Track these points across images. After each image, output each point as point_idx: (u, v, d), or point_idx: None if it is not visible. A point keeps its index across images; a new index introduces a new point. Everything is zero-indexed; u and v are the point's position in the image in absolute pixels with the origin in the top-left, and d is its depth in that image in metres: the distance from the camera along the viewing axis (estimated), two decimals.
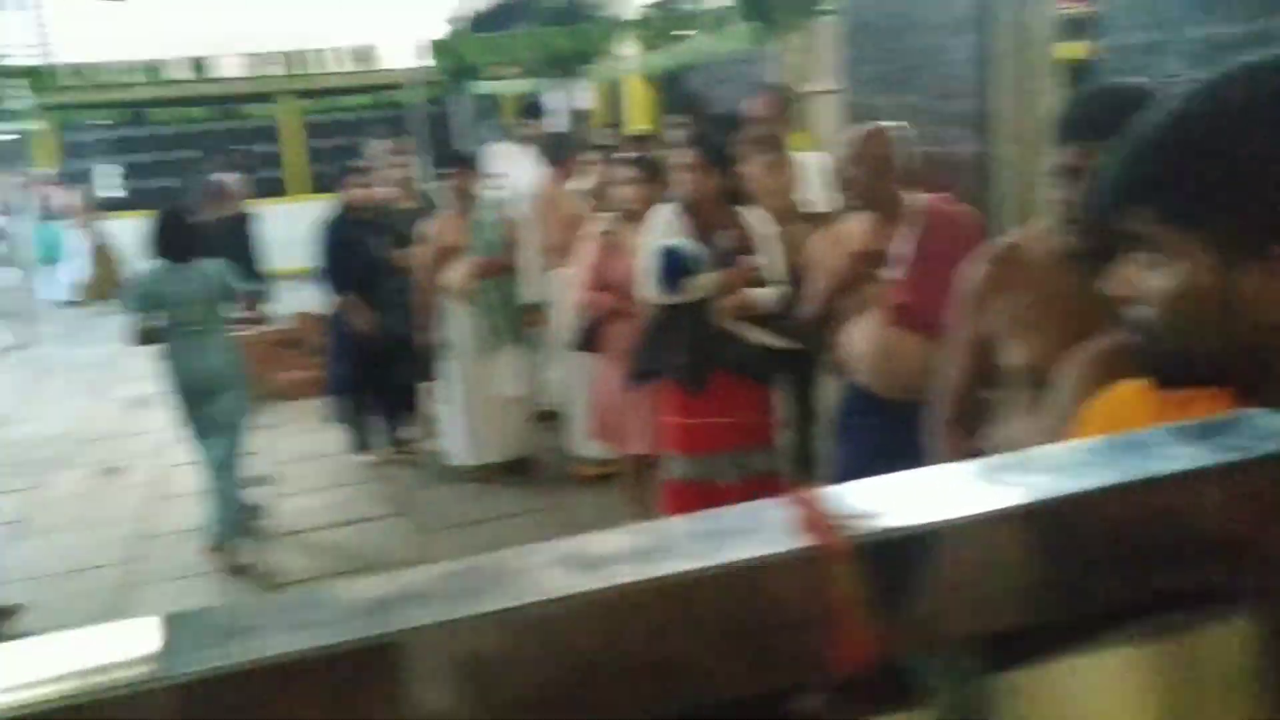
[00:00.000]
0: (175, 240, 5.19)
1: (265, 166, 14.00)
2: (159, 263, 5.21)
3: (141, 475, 6.88)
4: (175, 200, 7.07)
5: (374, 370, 6.21)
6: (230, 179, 9.49)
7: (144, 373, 9.45)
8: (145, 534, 5.88)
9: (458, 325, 5.89)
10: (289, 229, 9.64)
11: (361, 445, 6.57)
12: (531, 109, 8.26)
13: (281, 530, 5.74)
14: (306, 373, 7.72)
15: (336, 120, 15.12)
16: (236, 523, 5.42)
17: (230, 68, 12.52)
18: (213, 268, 5.29)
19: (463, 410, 5.99)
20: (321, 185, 14.47)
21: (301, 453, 6.83)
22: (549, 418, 6.45)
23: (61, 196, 13.73)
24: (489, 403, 5.94)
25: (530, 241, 6.01)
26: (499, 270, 5.84)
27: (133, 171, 14.54)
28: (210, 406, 5.27)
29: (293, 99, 14.65)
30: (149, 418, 8.21)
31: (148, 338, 5.18)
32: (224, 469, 5.33)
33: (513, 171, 7.06)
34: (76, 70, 12.45)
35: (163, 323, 5.17)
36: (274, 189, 13.81)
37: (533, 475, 6.16)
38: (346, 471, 6.52)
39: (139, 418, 8.26)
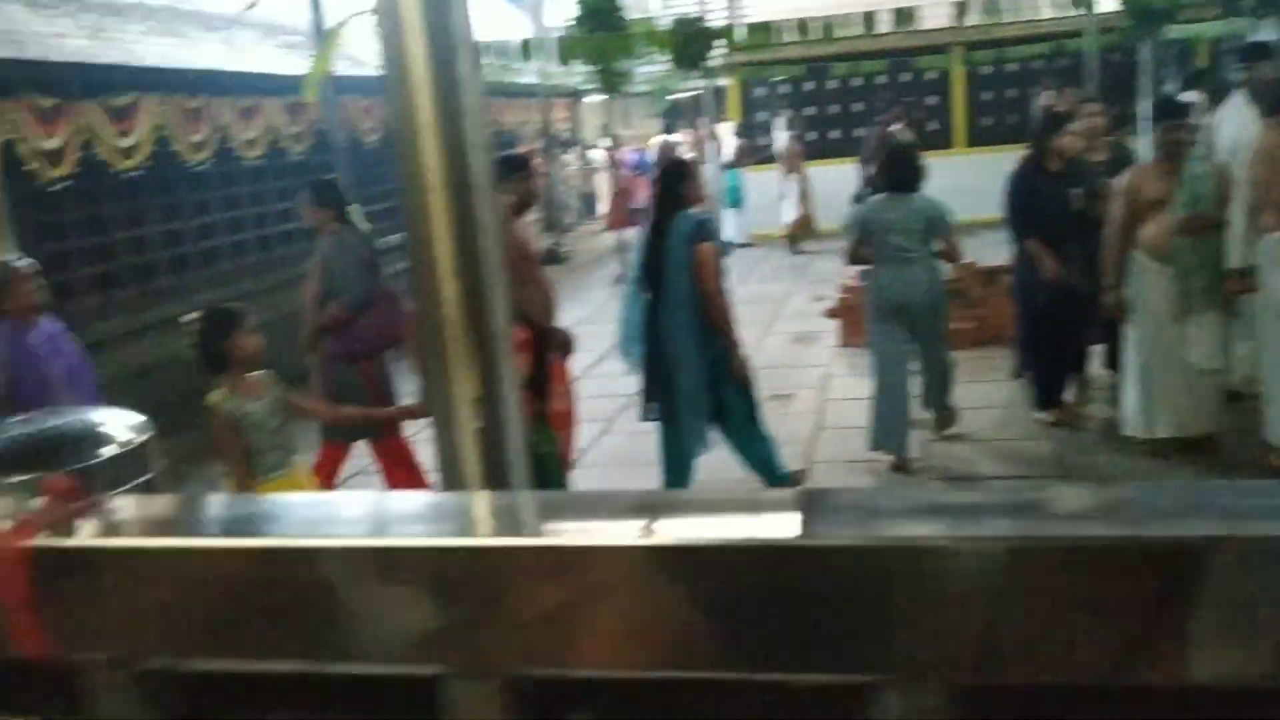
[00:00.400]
0: (901, 173, 5.67)
1: (931, 119, 14.14)
2: (881, 194, 5.74)
3: (804, 404, 7.33)
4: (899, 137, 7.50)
5: (1054, 325, 5.99)
6: (901, 130, 9.71)
7: (809, 310, 10.22)
8: (808, 458, 6.26)
9: (1150, 285, 5.46)
10: (955, 181, 9.68)
11: (1043, 402, 6.37)
12: (1254, 51, 7.33)
13: (932, 474, 5.83)
14: (966, 324, 7.70)
15: (1000, 72, 14.80)
16: (899, 443, 5.80)
17: (904, 21, 12.80)
18: (927, 202, 5.66)
19: (1145, 377, 5.57)
20: (985, 138, 14.32)
21: (962, 401, 6.84)
22: (1236, 397, 5.80)
23: (743, 147, 15.06)
24: (1176, 372, 5.45)
25: (1243, 199, 5.37)
26: (1206, 228, 5.31)
27: (809, 124, 15.46)
28: (904, 329, 5.71)
29: (962, 50, 14.57)
30: (812, 352, 8.79)
31: (858, 259, 5.76)
32: (895, 391, 5.72)
33: (1226, 121, 6.35)
34: (761, 29, 13.55)
35: (874, 248, 5.67)
36: (939, 142, 13.92)
37: (1214, 457, 5.58)
38: (1010, 425, 6.41)
39: (803, 351, 8.88)
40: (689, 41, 11.77)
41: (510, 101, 16.10)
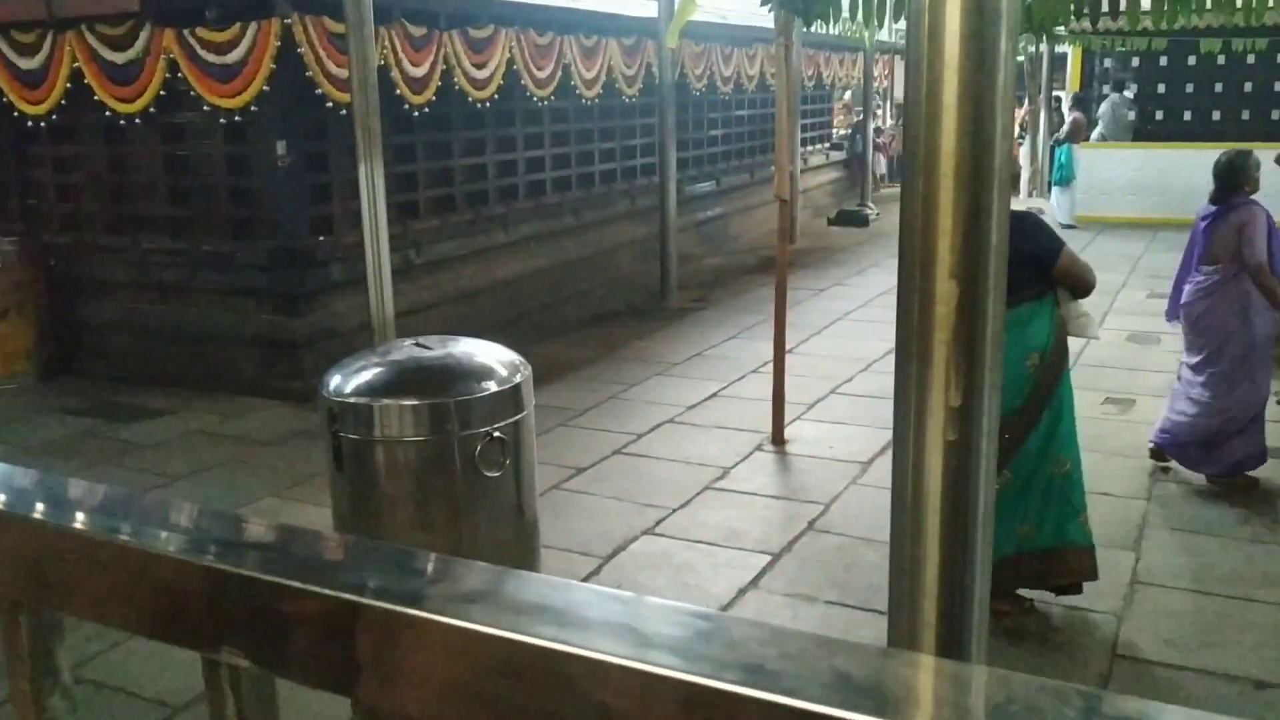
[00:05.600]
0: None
1: None
2: None
3: (1144, 412, 6.74)
4: None
5: None
6: None
7: (1148, 308, 9.44)
8: (1148, 469, 5.75)
9: None
10: None
11: None
12: None
13: None
14: None
15: None
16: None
17: None
18: None
19: None
20: None
21: None
22: None
23: (1077, 121, 14.05)
24: None
25: None
26: None
27: (1157, 102, 14.25)
28: None
29: None
30: (1152, 355, 8.09)
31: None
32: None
33: None
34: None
35: None
36: None
37: None
38: None
39: (1142, 353, 8.20)
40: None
41: (832, 54, 15.70)
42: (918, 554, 1.83)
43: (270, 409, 7.05)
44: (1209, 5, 7.75)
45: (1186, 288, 5.48)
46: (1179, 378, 5.69)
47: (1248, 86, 13.80)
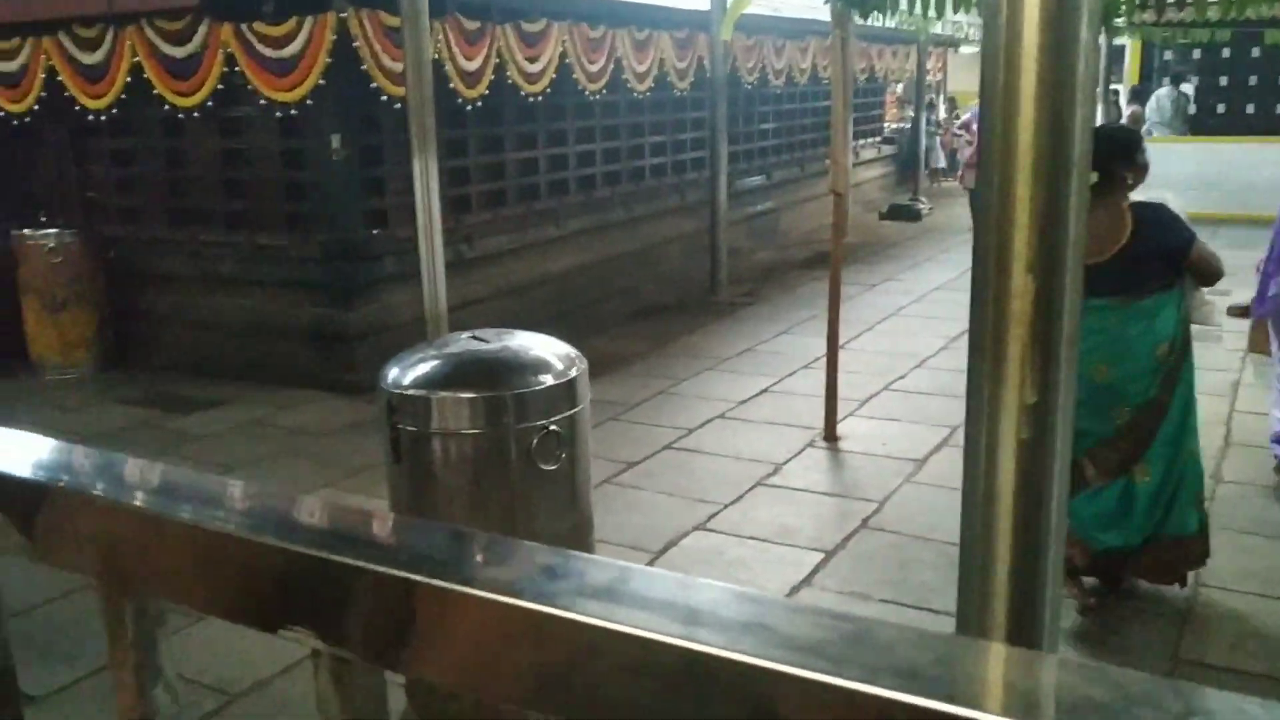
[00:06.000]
0: None
1: None
2: None
3: (1208, 413, 6.59)
4: None
5: None
6: None
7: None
8: (1215, 476, 5.63)
9: None
10: None
11: None
12: None
13: None
14: None
15: None
16: None
17: None
18: None
19: None
20: None
21: None
22: None
23: (1135, 114, 13.80)
24: None
25: None
26: None
27: (1218, 95, 13.95)
28: None
29: None
30: (1214, 355, 7.93)
31: None
32: None
33: None
34: None
35: None
36: None
37: None
38: None
39: (1204, 352, 8.02)
40: None
41: (885, 47, 15.55)
42: (989, 555, 1.79)
43: (323, 401, 7.11)
44: None
45: (1274, 284, 5.32)
46: (1278, 378, 5.58)
47: None
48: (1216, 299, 4.63)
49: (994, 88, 1.63)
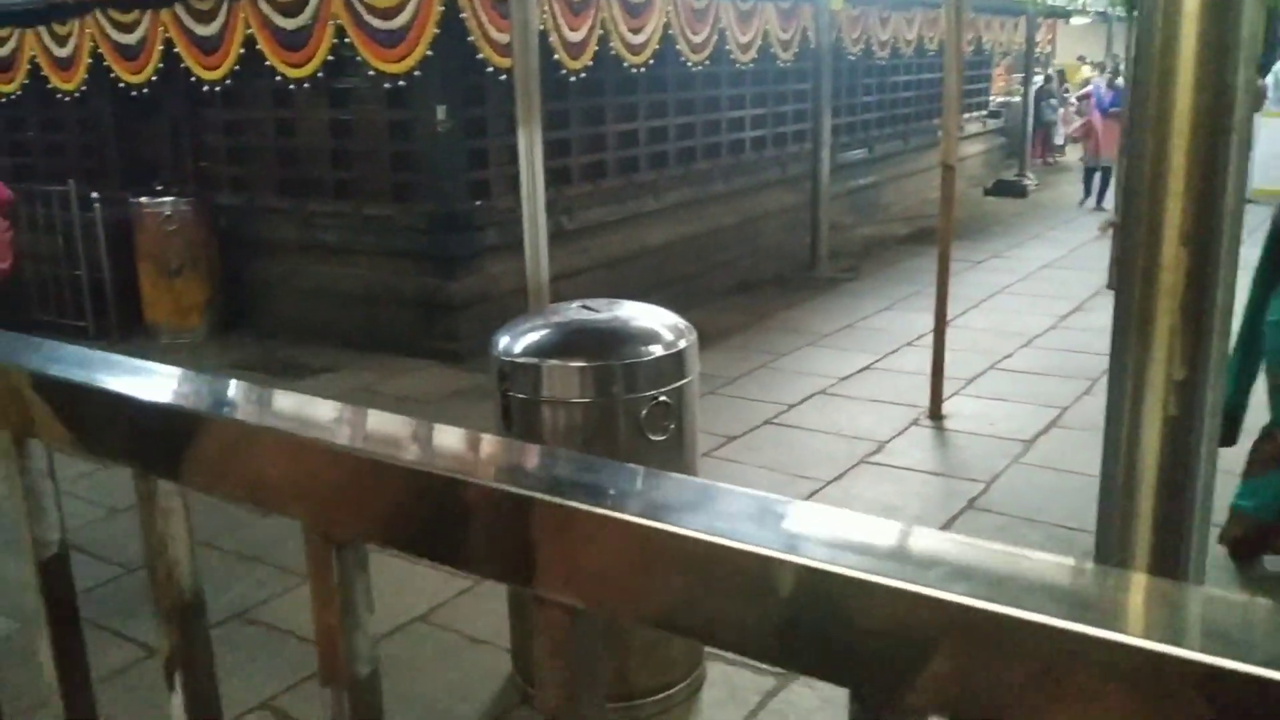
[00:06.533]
0: None
1: None
2: None
3: None
4: None
5: None
6: None
7: None
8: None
9: None
10: None
11: None
12: None
13: None
14: None
15: None
16: None
17: None
18: None
19: None
20: None
21: None
22: None
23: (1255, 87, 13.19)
24: None
25: None
26: None
27: None
28: None
29: None
30: None
31: None
32: None
33: None
34: None
35: None
36: None
37: None
38: None
39: None
40: None
41: (993, 18, 15.13)
42: (1128, 537, 1.73)
43: (426, 369, 7.22)
44: None
45: None
46: None
47: None
48: None
49: (1150, 48, 1.56)
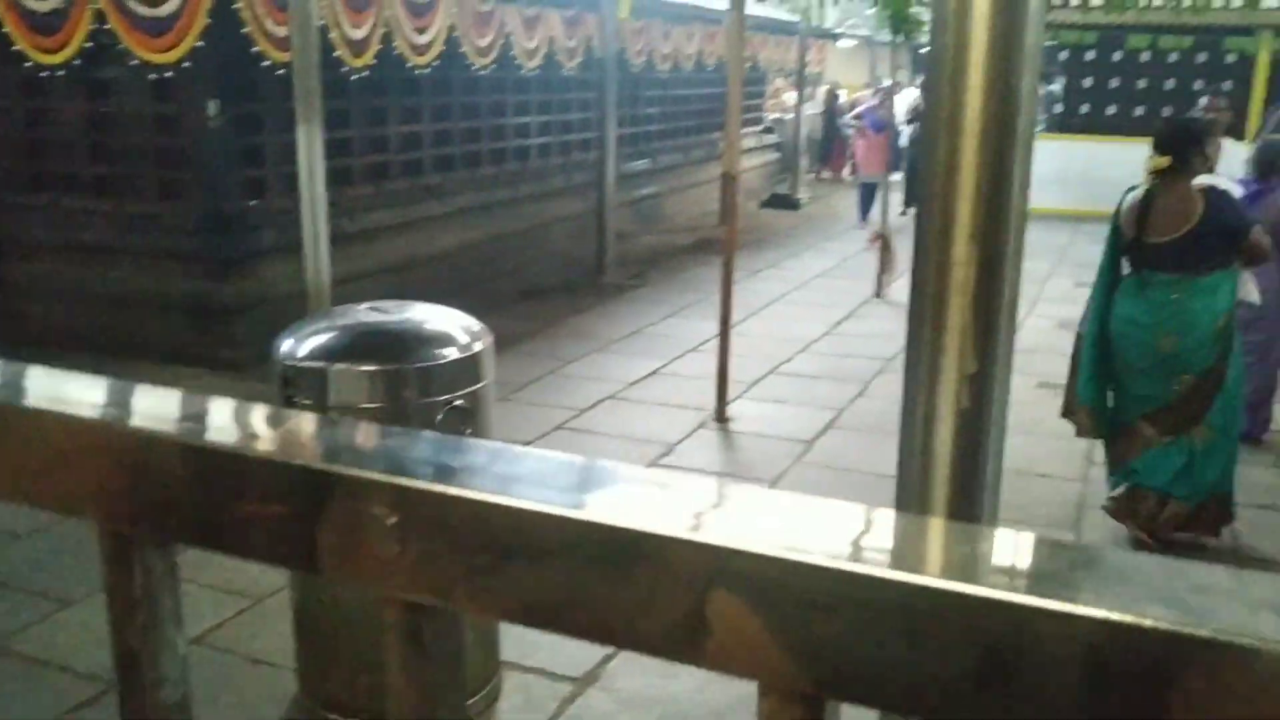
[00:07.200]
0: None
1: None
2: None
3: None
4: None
5: None
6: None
7: (1074, 295, 9.61)
8: (1087, 458, 5.84)
9: None
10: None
11: None
12: None
13: None
14: None
15: None
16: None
17: None
18: None
19: None
20: None
21: None
22: None
23: None
24: None
25: None
26: None
27: (1081, 97, 14.49)
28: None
29: (1271, 35, 13.33)
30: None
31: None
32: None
33: None
34: None
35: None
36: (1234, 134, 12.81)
37: None
38: None
39: (1068, 339, 8.34)
40: None
41: (768, 36, 15.70)
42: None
43: (200, 378, 6.81)
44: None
45: None
46: None
47: (1169, 84, 14.14)
48: None
49: (943, 53, 1.62)
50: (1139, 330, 4.45)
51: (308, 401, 3.12)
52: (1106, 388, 4.68)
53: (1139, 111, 14.15)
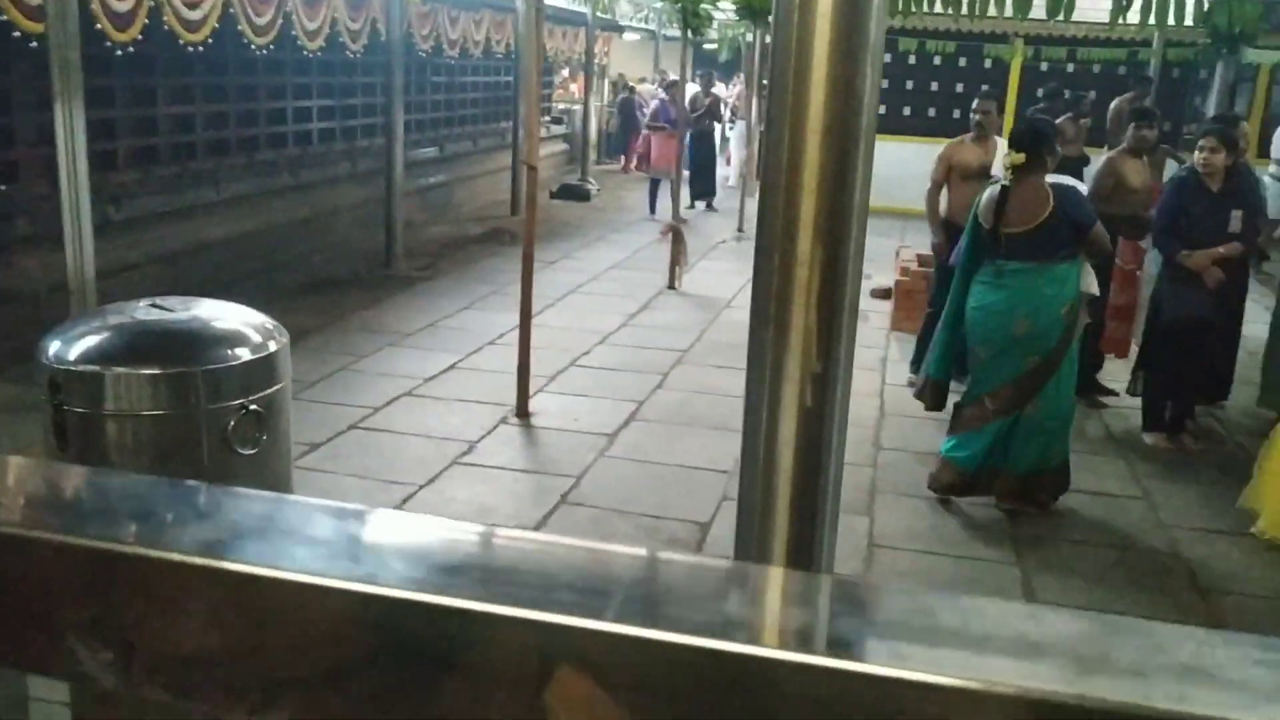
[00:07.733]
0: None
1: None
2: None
3: (863, 386, 7.10)
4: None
5: (1188, 347, 5.80)
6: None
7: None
8: (876, 444, 6.06)
9: None
10: None
11: (1154, 424, 6.11)
12: None
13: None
14: None
15: (1056, 70, 14.51)
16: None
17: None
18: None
19: None
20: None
21: None
22: None
23: None
24: None
25: None
26: None
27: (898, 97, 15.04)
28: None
29: (1023, 43, 14.29)
30: (863, 332, 8.58)
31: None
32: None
33: None
34: None
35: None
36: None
37: None
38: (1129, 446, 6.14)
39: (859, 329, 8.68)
40: None
41: (556, 28, 15.62)
42: (768, 526, 1.76)
43: None
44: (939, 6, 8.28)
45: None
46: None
47: (934, 85, 14.93)
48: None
49: (786, 48, 1.58)
50: (995, 316, 4.82)
51: (81, 410, 2.83)
52: (951, 366, 5.09)
53: (906, 111, 14.89)
